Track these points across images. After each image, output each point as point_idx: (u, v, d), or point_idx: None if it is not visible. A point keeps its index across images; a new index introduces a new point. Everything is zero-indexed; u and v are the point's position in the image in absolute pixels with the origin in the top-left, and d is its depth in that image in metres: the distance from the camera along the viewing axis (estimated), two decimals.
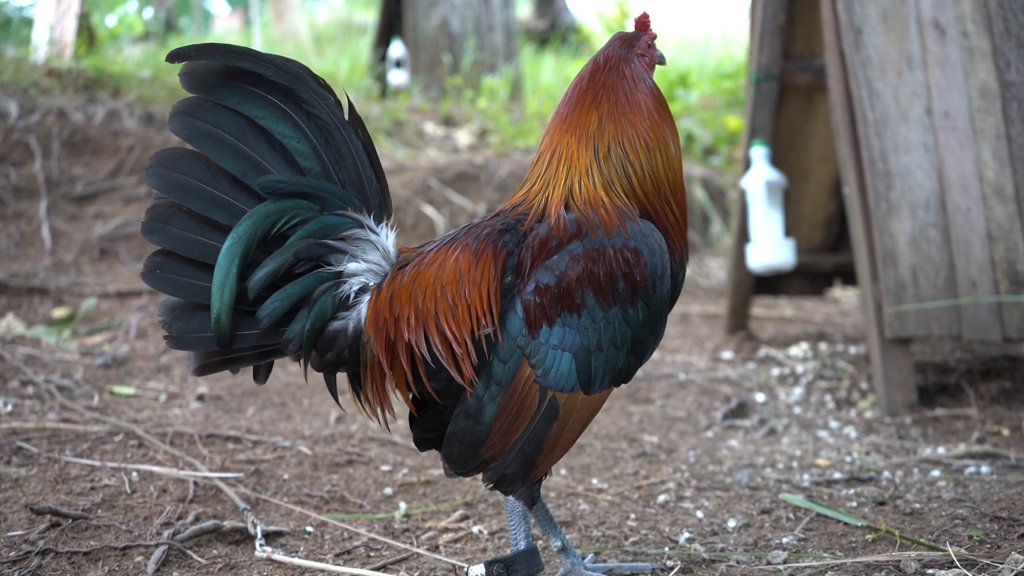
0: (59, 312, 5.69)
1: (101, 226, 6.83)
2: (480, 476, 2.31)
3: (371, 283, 2.31)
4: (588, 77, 2.35)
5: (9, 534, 2.88)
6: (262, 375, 2.41)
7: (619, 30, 10.38)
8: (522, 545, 2.33)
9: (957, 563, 2.46)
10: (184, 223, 2.26)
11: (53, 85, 8.58)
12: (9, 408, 4.01)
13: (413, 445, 2.45)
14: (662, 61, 2.42)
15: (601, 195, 2.25)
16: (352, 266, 2.31)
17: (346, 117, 2.32)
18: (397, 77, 11.36)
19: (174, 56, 2.22)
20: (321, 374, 2.41)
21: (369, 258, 2.32)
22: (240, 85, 2.24)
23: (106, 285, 6.14)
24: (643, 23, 2.41)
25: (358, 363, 2.31)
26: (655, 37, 2.41)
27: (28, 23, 12.24)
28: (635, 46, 2.37)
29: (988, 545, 2.64)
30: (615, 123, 2.29)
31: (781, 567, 2.59)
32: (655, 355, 5.27)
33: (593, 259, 2.19)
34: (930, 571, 2.46)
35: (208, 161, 2.26)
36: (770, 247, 5.14)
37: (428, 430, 2.37)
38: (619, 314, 2.20)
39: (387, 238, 2.35)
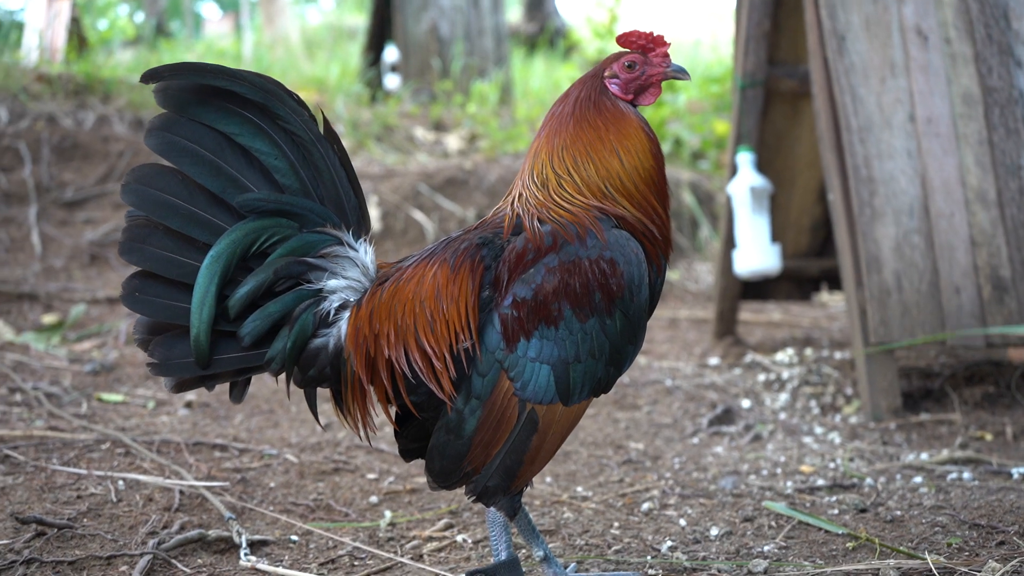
0: (48, 318, 5.69)
1: (91, 232, 6.83)
2: (463, 488, 2.32)
3: (351, 299, 2.32)
4: (555, 107, 2.40)
5: None
6: (238, 392, 2.40)
7: (607, 35, 10.30)
8: (503, 556, 2.33)
9: (935, 572, 2.47)
10: (162, 242, 2.25)
11: (43, 90, 8.57)
12: None
13: (401, 457, 2.45)
14: (678, 75, 2.36)
15: (567, 207, 2.26)
16: (332, 283, 2.31)
17: (322, 132, 2.31)
18: (392, 82, 11.37)
19: (148, 77, 2.21)
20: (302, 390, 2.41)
21: (348, 275, 2.33)
22: (216, 102, 2.23)
23: (96, 291, 6.14)
24: (629, 41, 2.39)
25: (339, 380, 2.32)
26: (659, 53, 2.36)
27: (18, 27, 12.22)
28: (606, 69, 2.38)
29: (967, 553, 2.65)
30: (549, 143, 2.33)
31: None
32: (642, 361, 5.28)
33: (569, 271, 2.20)
34: None
35: (186, 178, 2.24)
36: (756, 253, 5.15)
37: (412, 440, 2.38)
38: (596, 325, 2.21)
39: (366, 254, 2.35)
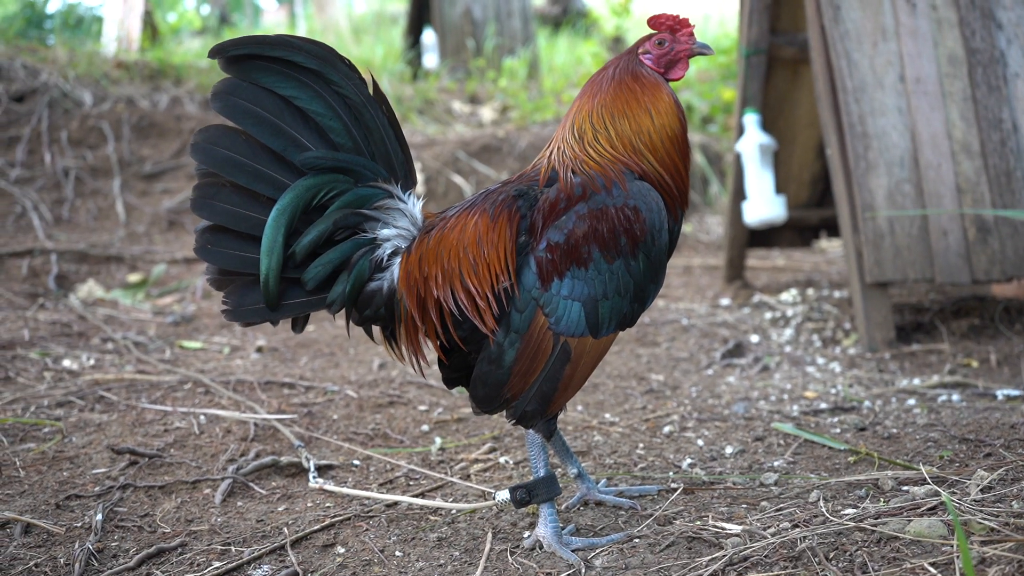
0: (133, 277, 5.74)
1: (168, 200, 6.86)
2: (503, 413, 2.32)
3: (402, 246, 2.31)
4: (589, 79, 2.39)
5: (94, 471, 2.92)
6: (299, 325, 2.40)
7: (623, 13, 10.18)
8: (542, 472, 2.34)
9: (929, 480, 2.46)
10: (229, 198, 2.24)
11: (122, 76, 8.59)
12: (92, 362, 4.06)
13: (445, 386, 2.46)
14: (703, 51, 2.34)
15: (598, 159, 2.25)
16: (384, 232, 2.31)
17: (371, 94, 2.30)
18: (431, 60, 11.34)
19: (215, 52, 2.20)
20: (361, 328, 2.42)
21: (399, 224, 2.32)
22: (275, 67, 2.21)
23: (174, 252, 6.17)
24: (657, 22, 2.37)
25: (393, 318, 2.32)
26: (685, 33, 2.34)
27: (98, 21, 12.22)
28: (639, 47, 2.37)
29: (957, 464, 2.63)
30: (589, 104, 2.32)
31: (773, 487, 2.60)
32: (660, 302, 5.27)
33: (597, 217, 2.19)
34: (905, 488, 2.46)
35: (249, 137, 2.23)
36: (764, 203, 5.12)
37: (455, 371, 2.38)
38: (622, 266, 2.20)
39: (414, 205, 2.35)
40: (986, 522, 2.06)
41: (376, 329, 2.42)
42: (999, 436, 2.83)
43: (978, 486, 2.33)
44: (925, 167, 4.11)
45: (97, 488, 2.79)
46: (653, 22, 2.39)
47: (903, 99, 4.18)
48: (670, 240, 2.30)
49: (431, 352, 2.40)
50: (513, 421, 2.30)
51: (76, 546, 2.42)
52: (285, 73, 2.21)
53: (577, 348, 2.21)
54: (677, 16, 2.38)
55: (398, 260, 2.30)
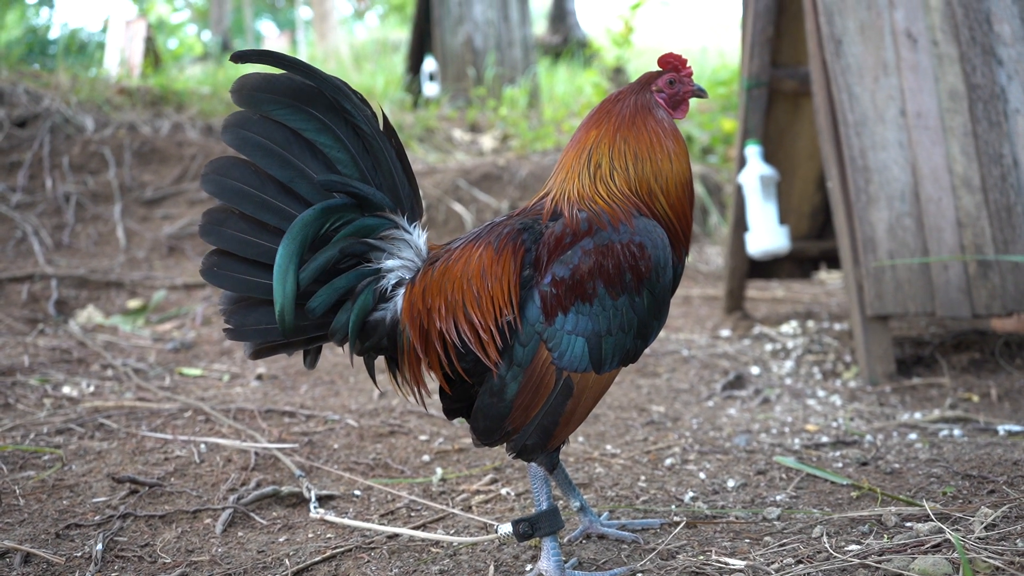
0: (133, 303, 5.73)
1: (169, 226, 6.86)
2: (504, 446, 2.32)
3: (406, 277, 2.32)
4: (599, 106, 2.41)
5: (94, 500, 2.91)
6: (310, 359, 2.42)
7: (624, 44, 10.22)
8: (544, 505, 2.33)
9: (932, 517, 2.45)
10: (237, 225, 2.27)
11: (124, 102, 8.62)
12: (91, 389, 4.05)
13: (445, 417, 2.46)
14: (699, 94, 2.42)
15: (603, 196, 2.27)
16: (389, 263, 2.31)
17: (381, 128, 2.32)
18: (431, 89, 11.38)
19: (238, 57, 2.22)
20: (362, 357, 2.42)
21: (404, 255, 2.33)
22: (285, 100, 2.24)
23: (174, 278, 6.17)
24: (667, 62, 2.42)
25: (395, 348, 2.32)
26: (687, 74, 2.41)
27: (100, 47, 12.28)
28: (651, 84, 2.39)
29: (960, 500, 2.63)
30: (610, 138, 2.32)
31: (776, 522, 2.60)
32: (661, 334, 5.27)
33: (603, 253, 2.19)
34: (908, 524, 2.45)
35: (257, 169, 2.26)
36: (767, 234, 5.13)
37: (456, 402, 2.38)
38: (627, 302, 2.21)
39: (419, 237, 2.36)
40: (991, 560, 2.05)
41: (378, 361, 2.42)
42: (1002, 472, 2.82)
43: (982, 523, 2.33)
44: (926, 201, 4.13)
45: (97, 517, 2.78)
46: (664, 61, 2.43)
47: (904, 133, 4.21)
48: (674, 277, 2.31)
49: (432, 382, 2.40)
50: (514, 455, 2.30)
51: None
52: (294, 105, 2.23)
53: (580, 383, 2.21)
54: (680, 56, 2.42)
55: (402, 291, 2.30)
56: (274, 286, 2.21)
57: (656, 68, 2.45)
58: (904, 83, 4.24)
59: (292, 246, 2.21)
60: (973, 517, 2.39)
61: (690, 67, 2.43)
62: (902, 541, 2.28)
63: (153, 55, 11.53)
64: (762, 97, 5.18)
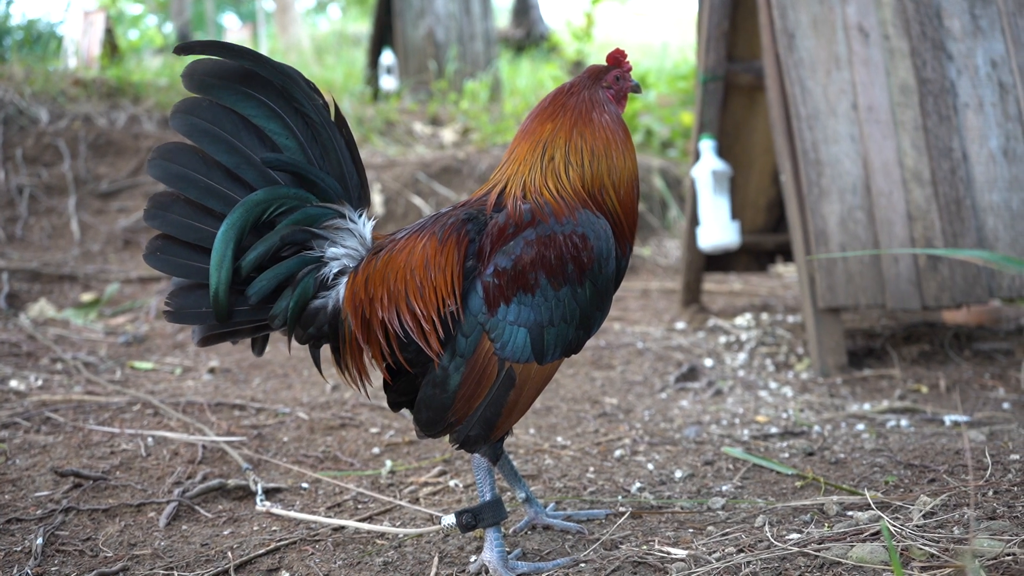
0: (86, 296, 5.68)
1: (124, 219, 6.80)
2: (448, 437, 2.32)
3: (349, 266, 2.31)
4: (551, 98, 2.40)
5: (36, 494, 2.88)
6: (258, 347, 2.42)
7: (584, 38, 10.26)
8: (488, 496, 2.33)
9: (872, 506, 2.48)
10: (182, 210, 2.26)
11: (79, 93, 8.52)
12: (40, 382, 4.01)
13: (388, 405, 2.46)
14: (636, 90, 2.45)
15: (552, 190, 2.27)
16: (332, 251, 2.31)
17: (332, 118, 2.32)
18: (387, 83, 11.33)
19: (181, 49, 2.21)
20: (308, 349, 2.41)
21: (347, 244, 2.32)
22: (235, 86, 2.23)
23: (128, 272, 6.12)
24: (615, 58, 2.43)
25: (337, 337, 2.32)
26: (629, 70, 2.43)
27: (57, 38, 12.14)
28: (602, 79, 2.40)
29: (901, 489, 2.66)
30: (566, 132, 2.31)
31: (720, 512, 2.61)
32: (616, 325, 5.28)
33: (545, 244, 2.19)
34: (849, 513, 2.47)
35: (204, 155, 2.25)
36: (718, 229, 5.15)
37: (400, 394, 2.38)
38: (569, 293, 2.21)
39: (364, 226, 2.35)
40: (926, 548, 2.08)
41: (322, 351, 2.41)
42: (944, 462, 2.86)
43: (920, 512, 2.35)
44: (877, 194, 4.17)
45: (39, 511, 2.75)
46: (612, 57, 2.44)
47: (856, 127, 4.24)
48: (617, 270, 2.32)
49: (376, 373, 2.39)
50: (457, 446, 2.30)
51: (15, 571, 2.39)
52: (244, 92, 2.23)
53: (522, 374, 2.21)
54: (623, 51, 2.45)
55: (344, 280, 2.30)
56: (211, 268, 2.21)
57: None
58: (856, 77, 4.27)
59: (231, 230, 2.21)
60: (912, 506, 2.42)
61: (630, 62, 2.45)
62: (842, 530, 2.30)
63: (111, 46, 11.40)
64: (718, 91, 5.20)
